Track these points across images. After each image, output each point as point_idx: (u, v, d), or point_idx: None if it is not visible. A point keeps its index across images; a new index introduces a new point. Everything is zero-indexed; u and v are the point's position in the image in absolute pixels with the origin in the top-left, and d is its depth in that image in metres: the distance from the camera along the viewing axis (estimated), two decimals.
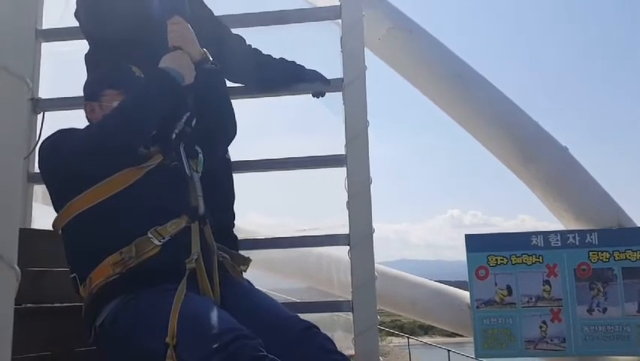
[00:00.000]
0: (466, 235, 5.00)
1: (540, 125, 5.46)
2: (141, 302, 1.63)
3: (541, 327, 4.69)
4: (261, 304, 1.76)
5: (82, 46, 2.35)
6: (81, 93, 2.03)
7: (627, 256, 4.62)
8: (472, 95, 5.58)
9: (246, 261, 1.98)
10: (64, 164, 1.76)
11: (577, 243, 4.73)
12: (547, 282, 4.73)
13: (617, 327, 4.58)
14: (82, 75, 2.17)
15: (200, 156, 1.95)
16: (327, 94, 2.65)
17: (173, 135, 1.91)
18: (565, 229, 5.21)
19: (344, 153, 2.58)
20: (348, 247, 2.52)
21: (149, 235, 1.69)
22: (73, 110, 2.58)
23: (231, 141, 2.19)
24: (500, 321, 4.76)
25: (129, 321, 1.62)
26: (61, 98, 2.74)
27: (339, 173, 2.59)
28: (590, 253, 4.69)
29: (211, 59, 2.00)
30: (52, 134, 1.87)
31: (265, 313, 1.70)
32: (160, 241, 1.69)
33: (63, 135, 1.83)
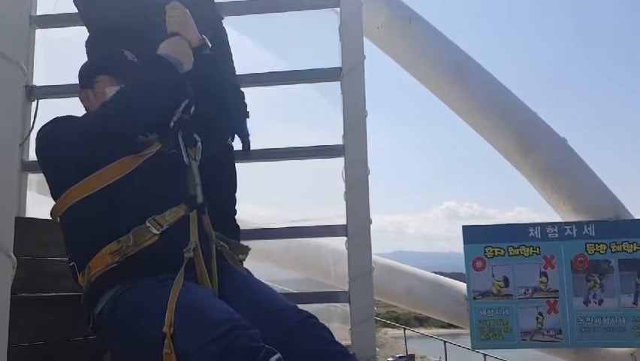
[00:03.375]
0: (463, 227, 5.01)
1: (539, 116, 5.45)
2: (139, 291, 1.61)
3: (537, 318, 4.71)
4: (259, 293, 1.74)
5: (76, 33, 2.32)
6: (75, 81, 2.01)
7: (624, 247, 4.63)
8: (471, 85, 5.56)
9: (245, 250, 1.96)
10: (61, 152, 1.74)
11: (574, 235, 4.74)
12: (543, 273, 4.75)
13: (613, 319, 4.60)
14: (76, 63, 2.14)
15: (199, 144, 1.92)
16: (325, 83, 2.63)
17: (172, 123, 1.88)
18: (562, 220, 5.22)
19: (342, 143, 2.57)
20: (345, 238, 2.51)
21: (148, 224, 1.68)
22: (67, 98, 2.56)
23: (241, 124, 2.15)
24: (497, 312, 4.77)
25: (127, 309, 1.61)
26: (56, 85, 2.72)
27: (338, 163, 2.58)
28: (587, 244, 4.70)
29: (210, 45, 1.96)
30: (49, 122, 1.84)
31: (263, 302, 1.68)
32: (158, 230, 1.68)
33: (60, 123, 1.80)
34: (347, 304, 2.48)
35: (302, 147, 2.71)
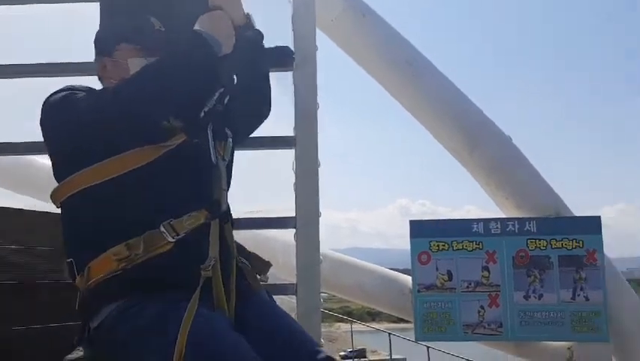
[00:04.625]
0: (410, 221, 5.08)
1: (485, 114, 5.58)
2: (146, 314, 1.40)
3: (479, 312, 4.84)
4: (279, 323, 1.56)
5: (25, 11, 2.20)
6: (24, 61, 1.88)
7: (564, 244, 4.80)
8: (422, 82, 5.63)
9: (267, 266, 1.75)
10: (69, 130, 1.51)
11: (516, 230, 4.88)
12: (486, 268, 4.88)
13: (551, 313, 4.76)
14: (24, 42, 2.03)
15: (230, 140, 1.69)
16: (277, 73, 2.60)
17: (202, 113, 1.62)
18: (505, 216, 5.35)
19: (293, 134, 2.55)
20: (294, 230, 2.50)
21: (162, 229, 1.46)
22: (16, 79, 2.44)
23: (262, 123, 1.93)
24: (440, 305, 4.87)
25: (130, 333, 1.40)
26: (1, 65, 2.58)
27: (288, 155, 2.56)
28: (529, 240, 4.85)
29: (255, 24, 1.71)
30: (60, 90, 1.58)
31: (282, 334, 1.52)
32: (173, 238, 1.46)
33: (72, 96, 1.55)
34: (294, 297, 2.47)
35: (252, 137, 2.68)
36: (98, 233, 1.49)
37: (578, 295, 4.74)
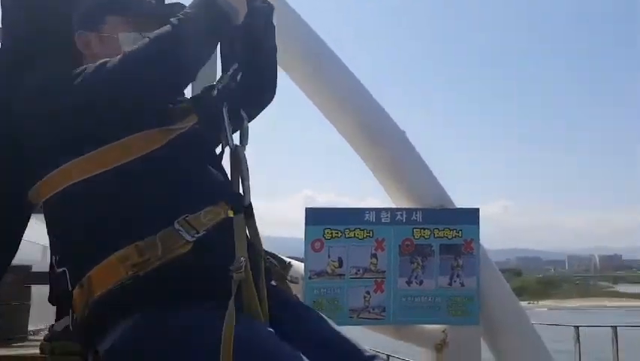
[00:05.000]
0: (306, 209, 5.19)
1: (383, 108, 5.79)
2: (173, 330, 1.20)
3: (365, 297, 5.04)
4: (321, 327, 1.44)
5: None
6: None
7: (445, 234, 5.11)
8: (326, 75, 5.72)
9: (288, 267, 1.59)
10: (57, 111, 1.29)
11: (404, 220, 5.13)
12: (374, 255, 5.08)
13: (430, 298, 5.06)
14: None
15: (246, 123, 1.51)
16: None
17: (214, 91, 1.47)
18: (395, 207, 5.59)
19: None
20: None
21: (177, 226, 1.26)
22: None
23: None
24: (329, 291, 5.02)
25: (156, 356, 1.20)
26: None
27: None
28: (414, 230, 5.12)
29: None
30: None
31: (331, 340, 1.40)
32: (192, 236, 1.26)
33: (54, 75, 1.36)
34: None
35: None
36: (98, 236, 1.27)
37: (455, 281, 5.06)
